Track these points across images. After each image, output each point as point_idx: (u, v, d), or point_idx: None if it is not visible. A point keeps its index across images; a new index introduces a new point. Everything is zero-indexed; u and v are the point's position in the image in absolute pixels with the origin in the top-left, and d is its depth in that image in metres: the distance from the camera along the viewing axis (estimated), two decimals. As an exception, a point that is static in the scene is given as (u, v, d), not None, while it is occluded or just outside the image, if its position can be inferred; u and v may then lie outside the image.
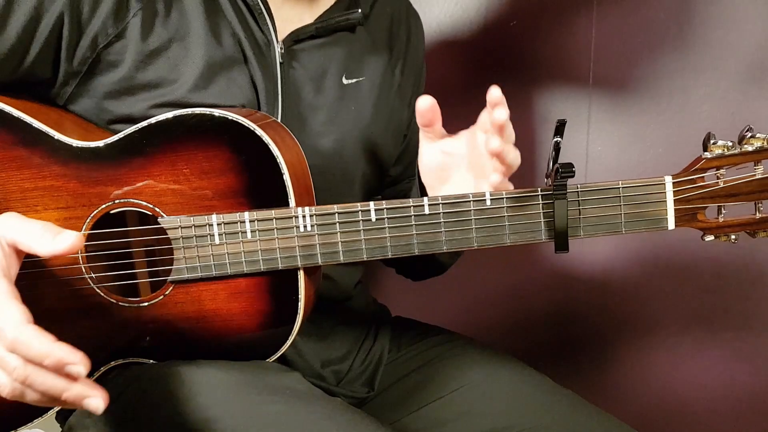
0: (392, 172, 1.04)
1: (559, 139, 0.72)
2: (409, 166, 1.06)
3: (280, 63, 0.86)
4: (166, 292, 0.78)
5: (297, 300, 0.78)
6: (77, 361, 0.61)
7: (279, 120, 0.85)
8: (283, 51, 0.86)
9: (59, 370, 0.61)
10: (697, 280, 1.29)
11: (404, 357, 0.99)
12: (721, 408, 1.33)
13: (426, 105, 0.78)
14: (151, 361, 0.81)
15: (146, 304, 0.78)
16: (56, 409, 0.80)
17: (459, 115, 1.38)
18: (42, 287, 0.78)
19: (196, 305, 0.78)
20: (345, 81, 0.92)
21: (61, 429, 0.87)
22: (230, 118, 0.75)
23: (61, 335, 0.77)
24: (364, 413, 0.78)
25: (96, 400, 0.63)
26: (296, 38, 0.88)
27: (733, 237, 0.78)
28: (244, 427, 0.72)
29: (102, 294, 0.78)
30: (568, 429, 0.85)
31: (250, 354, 0.80)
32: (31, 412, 0.80)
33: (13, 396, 0.62)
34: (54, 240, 0.65)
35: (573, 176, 0.72)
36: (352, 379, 0.95)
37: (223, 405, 0.75)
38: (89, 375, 0.79)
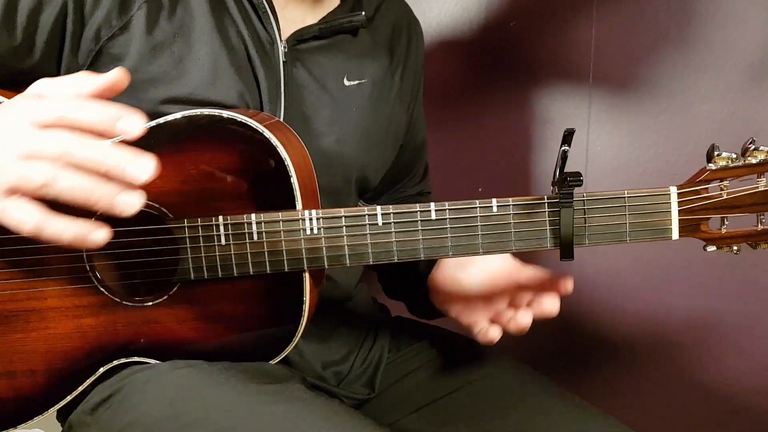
0: (386, 176, 1.04)
1: (567, 147, 0.72)
2: (400, 172, 1.07)
3: (284, 62, 0.86)
4: (171, 293, 0.78)
5: (302, 302, 0.78)
6: (132, 114, 0.58)
7: (281, 119, 0.85)
8: (286, 50, 0.86)
9: (111, 129, 0.58)
10: (699, 286, 1.31)
11: (404, 357, 0.99)
12: (725, 413, 1.35)
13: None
14: (154, 360, 0.81)
15: (150, 303, 0.78)
16: (57, 407, 0.80)
17: (459, 115, 1.39)
18: (45, 285, 0.77)
19: (201, 306, 0.78)
20: (347, 83, 0.92)
21: (61, 428, 0.87)
22: (239, 119, 0.74)
23: (64, 333, 0.78)
24: (363, 415, 0.78)
25: (147, 159, 0.59)
26: (299, 38, 0.88)
27: (735, 248, 0.79)
28: (244, 427, 0.72)
29: (106, 293, 0.78)
30: (568, 429, 0.86)
31: (254, 355, 0.80)
32: (32, 409, 0.80)
33: (48, 181, 0.58)
34: (100, 75, 0.62)
35: (581, 185, 0.72)
36: (352, 380, 0.96)
37: (222, 405, 0.75)
38: (92, 373, 0.80)
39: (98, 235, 0.61)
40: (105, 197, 0.58)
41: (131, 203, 0.59)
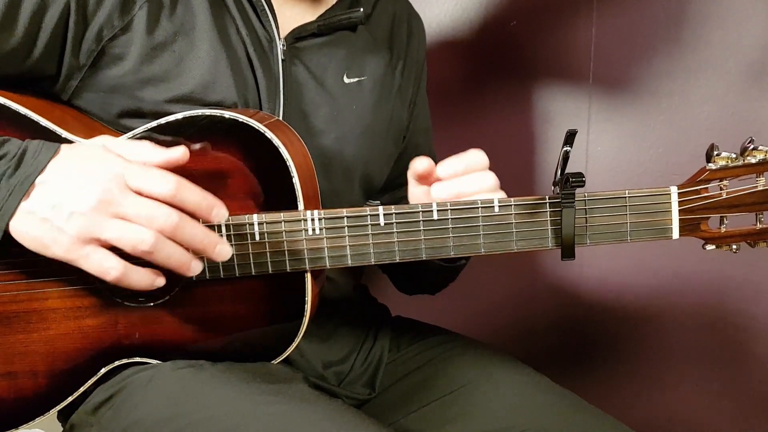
0: (390, 174, 1.04)
1: (569, 148, 0.72)
2: (407, 169, 1.07)
3: (282, 60, 0.86)
4: (172, 293, 0.78)
5: (303, 302, 0.78)
6: (222, 204, 0.69)
7: (280, 118, 0.85)
8: (285, 48, 0.86)
9: (208, 215, 0.69)
10: (699, 287, 1.31)
11: (404, 357, 0.99)
12: (725, 413, 1.35)
13: (423, 167, 0.80)
14: (155, 361, 0.81)
15: (152, 304, 0.78)
16: (58, 408, 0.80)
17: (459, 115, 1.39)
18: (46, 286, 0.77)
19: (202, 306, 0.78)
20: (346, 80, 0.92)
21: (62, 428, 0.87)
22: (241, 120, 0.74)
23: (66, 334, 0.78)
24: (365, 414, 0.79)
25: (227, 246, 0.70)
26: (298, 36, 0.88)
27: (734, 247, 0.79)
28: (246, 427, 0.73)
29: (108, 294, 0.78)
30: (568, 429, 0.86)
31: (256, 355, 0.81)
32: (33, 410, 0.80)
33: (151, 249, 0.66)
34: (165, 150, 0.71)
35: (583, 185, 0.72)
36: (353, 379, 0.96)
37: (224, 405, 0.75)
38: (93, 373, 0.80)
39: (160, 281, 0.71)
40: (185, 265, 0.69)
41: (199, 269, 0.70)
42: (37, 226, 0.67)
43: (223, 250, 0.70)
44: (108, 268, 0.67)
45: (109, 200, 0.66)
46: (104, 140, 0.73)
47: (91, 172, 0.67)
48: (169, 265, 0.68)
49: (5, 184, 0.67)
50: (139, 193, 0.67)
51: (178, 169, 0.74)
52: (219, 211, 0.69)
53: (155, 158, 0.70)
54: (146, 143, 0.72)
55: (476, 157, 0.80)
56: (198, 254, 0.69)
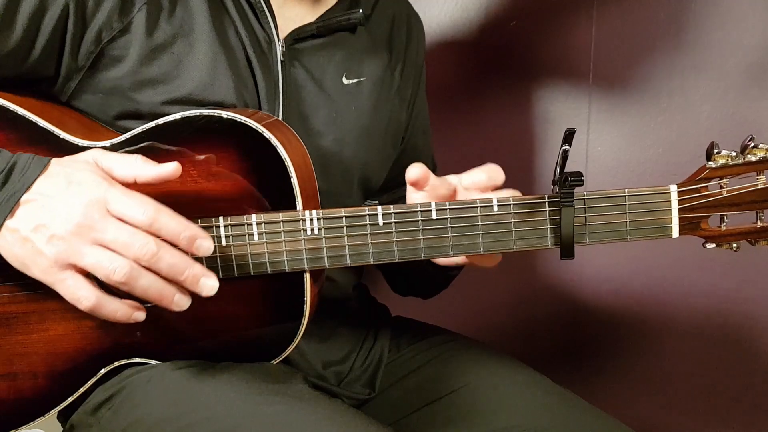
0: (389, 175, 1.04)
1: (568, 147, 0.72)
2: (405, 170, 1.06)
3: (281, 61, 0.86)
4: (172, 293, 0.78)
5: (303, 302, 0.78)
6: (207, 236, 0.67)
7: (280, 119, 0.85)
8: (284, 50, 0.86)
9: (189, 246, 0.66)
10: (699, 286, 1.31)
11: (404, 357, 0.99)
12: (726, 413, 1.35)
13: (416, 175, 0.77)
14: (155, 361, 0.81)
15: (150, 304, 0.78)
16: (58, 409, 0.80)
17: (459, 115, 1.39)
18: (46, 286, 0.77)
19: (201, 307, 0.78)
20: (345, 81, 0.92)
21: (62, 429, 0.87)
22: (239, 120, 0.74)
23: (65, 334, 0.78)
24: (365, 414, 0.79)
25: (212, 280, 0.68)
26: (297, 37, 0.88)
27: (734, 245, 0.79)
28: (246, 427, 0.73)
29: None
30: (568, 429, 0.86)
31: (255, 355, 0.81)
32: (33, 411, 0.80)
33: (125, 279, 0.65)
34: (156, 166, 0.69)
35: (582, 185, 0.72)
36: (353, 379, 0.96)
37: (224, 405, 0.75)
38: (93, 374, 0.80)
39: (139, 315, 0.70)
40: (167, 298, 0.68)
41: (185, 304, 0.69)
42: (20, 245, 0.67)
43: (207, 284, 0.68)
44: (80, 296, 0.67)
45: (89, 225, 0.65)
46: (96, 154, 0.71)
47: (74, 193, 0.66)
48: (148, 297, 0.67)
49: None
50: (121, 219, 0.66)
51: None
52: (202, 243, 0.67)
53: (146, 173, 0.69)
54: (138, 157, 0.70)
55: (497, 171, 0.79)
56: (181, 286, 0.68)
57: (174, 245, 0.67)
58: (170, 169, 0.69)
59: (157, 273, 0.67)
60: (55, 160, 0.69)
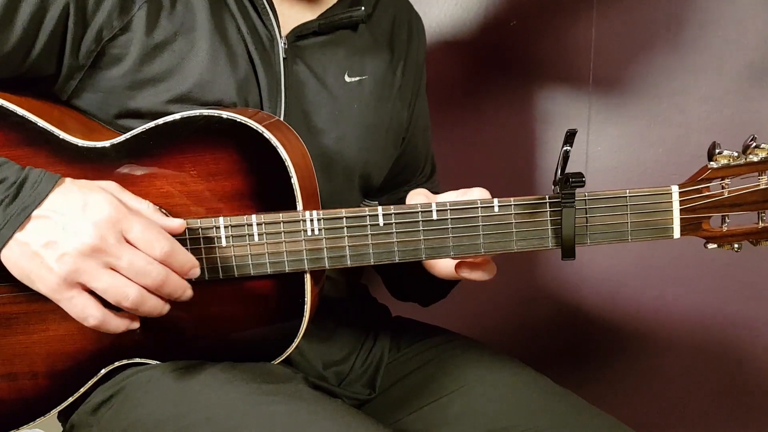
0: (389, 175, 1.04)
1: (569, 148, 0.72)
2: (404, 170, 1.07)
3: (283, 59, 0.86)
4: (172, 294, 0.78)
5: (303, 302, 0.78)
6: (197, 264, 0.72)
7: (282, 117, 0.85)
8: (286, 47, 0.86)
9: (185, 274, 0.71)
10: (700, 286, 1.31)
11: (404, 357, 0.99)
12: (726, 412, 1.35)
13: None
14: (155, 361, 0.80)
15: None
16: (58, 409, 0.80)
17: (459, 115, 1.39)
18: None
19: (202, 307, 0.78)
20: (347, 79, 0.92)
21: (62, 429, 0.86)
22: (239, 120, 0.74)
23: (65, 334, 0.78)
24: (365, 414, 0.79)
25: (189, 291, 0.73)
26: (299, 34, 0.88)
27: (736, 246, 0.79)
28: (246, 427, 0.72)
29: None
30: (568, 429, 0.86)
31: (256, 356, 0.80)
32: (33, 411, 0.80)
33: (134, 305, 0.68)
34: (162, 218, 0.73)
35: (583, 186, 0.72)
36: (353, 380, 0.96)
37: (224, 405, 0.75)
38: (93, 374, 0.80)
39: (135, 325, 0.73)
40: (161, 313, 0.72)
41: (166, 311, 0.73)
42: (28, 259, 0.67)
43: (186, 293, 0.73)
44: (88, 315, 0.69)
45: (103, 249, 0.66)
46: (112, 185, 0.73)
47: (90, 214, 0.67)
48: (148, 315, 0.71)
49: (1, 213, 0.67)
50: (135, 247, 0.68)
51: (176, 168, 0.75)
52: (195, 271, 0.72)
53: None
54: (150, 205, 0.73)
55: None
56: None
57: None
58: (175, 225, 0.73)
59: (159, 296, 0.71)
60: (69, 180, 0.70)
